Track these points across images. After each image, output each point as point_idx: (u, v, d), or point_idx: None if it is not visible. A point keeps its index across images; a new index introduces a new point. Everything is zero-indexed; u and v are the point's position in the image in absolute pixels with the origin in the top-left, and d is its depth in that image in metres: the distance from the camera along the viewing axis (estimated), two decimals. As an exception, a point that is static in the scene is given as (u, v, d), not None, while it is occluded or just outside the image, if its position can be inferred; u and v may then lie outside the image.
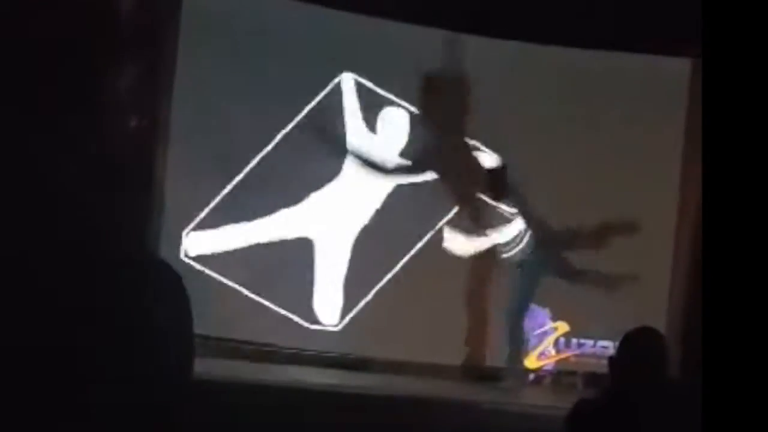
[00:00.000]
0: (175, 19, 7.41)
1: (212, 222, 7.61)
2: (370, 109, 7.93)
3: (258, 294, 7.63)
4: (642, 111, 8.06)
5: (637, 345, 3.46)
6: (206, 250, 7.57)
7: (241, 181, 7.68)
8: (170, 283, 1.54)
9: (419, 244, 7.93)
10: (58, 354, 1.37)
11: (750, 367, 2.19)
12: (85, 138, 6.12)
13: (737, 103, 2.31)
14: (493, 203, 7.47)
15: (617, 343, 3.59)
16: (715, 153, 2.33)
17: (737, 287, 2.22)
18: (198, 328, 1.57)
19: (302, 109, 7.80)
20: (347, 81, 7.88)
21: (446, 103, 8.08)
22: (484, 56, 8.02)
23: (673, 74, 8.11)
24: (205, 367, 6.61)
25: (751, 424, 2.18)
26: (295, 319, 7.73)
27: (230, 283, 7.57)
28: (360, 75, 7.92)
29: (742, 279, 2.22)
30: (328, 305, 7.83)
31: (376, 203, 7.95)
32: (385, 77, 7.94)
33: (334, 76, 7.89)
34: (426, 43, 7.90)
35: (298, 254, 7.75)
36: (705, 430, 2.28)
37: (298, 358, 7.62)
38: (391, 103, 7.99)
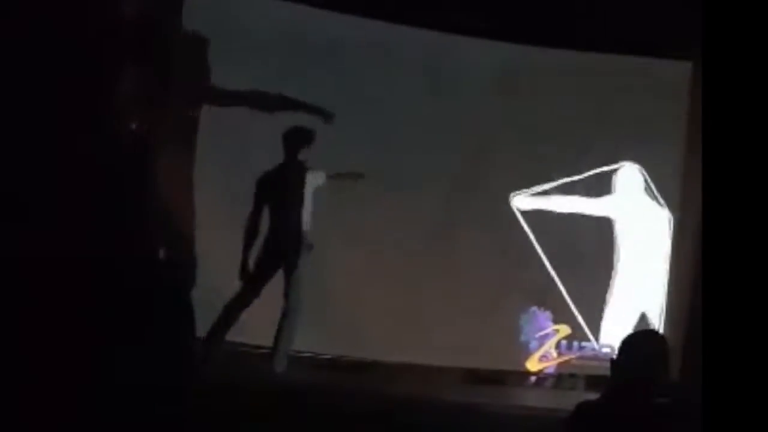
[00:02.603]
0: (176, 17, 7.41)
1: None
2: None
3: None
4: (642, 115, 8.06)
5: (638, 347, 3.46)
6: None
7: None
8: (168, 287, 1.54)
9: None
10: (61, 356, 1.37)
11: (750, 369, 2.18)
12: (88, 140, 6.12)
13: (737, 104, 2.30)
14: None
15: (619, 346, 3.60)
16: (715, 154, 2.32)
17: (737, 289, 2.22)
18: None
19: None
20: None
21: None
22: (486, 59, 8.01)
23: (674, 78, 8.11)
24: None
25: (752, 427, 2.17)
26: None
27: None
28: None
29: (742, 280, 2.21)
30: None
31: None
32: None
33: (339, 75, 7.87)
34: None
35: None
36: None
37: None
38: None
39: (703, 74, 2.43)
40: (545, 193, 8.02)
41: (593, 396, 3.62)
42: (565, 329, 8.11)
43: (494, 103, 8.04)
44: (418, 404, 6.33)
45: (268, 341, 7.12)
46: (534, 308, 8.12)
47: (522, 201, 8.06)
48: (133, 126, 6.96)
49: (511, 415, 6.21)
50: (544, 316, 8.13)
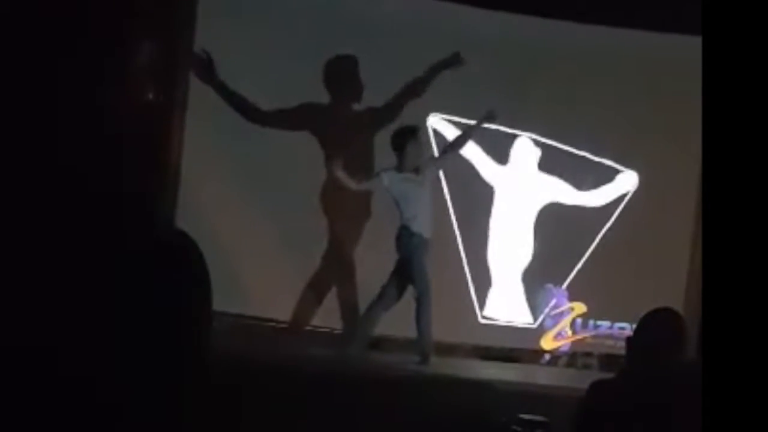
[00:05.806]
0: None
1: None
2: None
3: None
4: (660, 89, 7.98)
5: (655, 326, 3.43)
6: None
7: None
8: (185, 259, 1.51)
9: None
10: (71, 344, 1.34)
11: (752, 361, 2.15)
12: (101, 114, 6.11)
13: (740, 88, 2.25)
14: None
15: (635, 325, 3.56)
16: (717, 141, 2.28)
17: (738, 282, 2.17)
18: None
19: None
20: None
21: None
22: (497, 30, 7.92)
23: (690, 52, 8.01)
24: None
25: (753, 420, 2.13)
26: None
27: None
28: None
29: (744, 273, 2.17)
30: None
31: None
32: None
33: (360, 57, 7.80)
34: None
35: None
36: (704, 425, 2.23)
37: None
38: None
39: (703, 74, 2.37)
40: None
41: (608, 375, 3.60)
42: (580, 307, 8.07)
43: (511, 74, 7.97)
44: (432, 381, 6.32)
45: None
46: (549, 286, 8.08)
47: (438, 122, 7.83)
48: (150, 96, 6.94)
49: (525, 392, 6.18)
50: (560, 293, 8.09)
